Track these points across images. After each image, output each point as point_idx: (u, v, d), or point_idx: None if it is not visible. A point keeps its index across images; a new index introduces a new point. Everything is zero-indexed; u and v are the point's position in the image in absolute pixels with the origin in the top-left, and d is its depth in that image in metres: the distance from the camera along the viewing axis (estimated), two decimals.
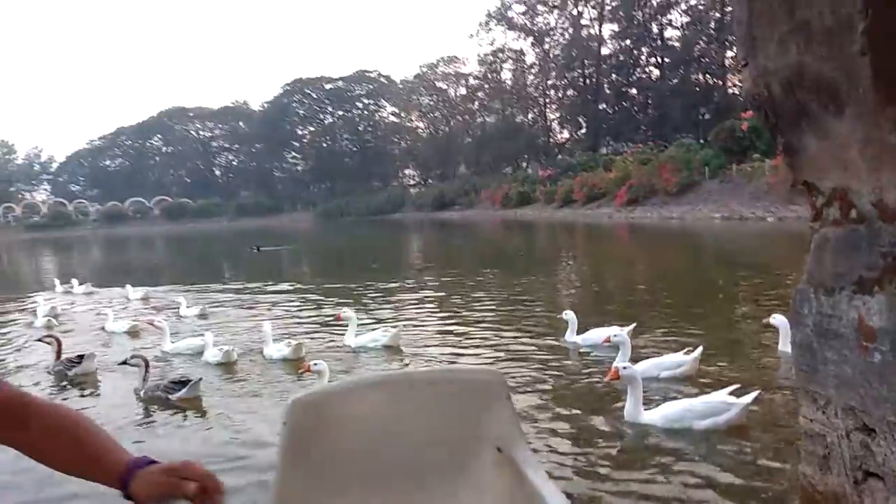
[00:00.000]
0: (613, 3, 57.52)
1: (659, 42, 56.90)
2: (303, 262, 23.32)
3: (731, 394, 4.24)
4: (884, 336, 2.32)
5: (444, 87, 76.47)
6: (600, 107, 59.43)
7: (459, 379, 2.16)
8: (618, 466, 3.81)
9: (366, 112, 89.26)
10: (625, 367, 4.48)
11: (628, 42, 57.83)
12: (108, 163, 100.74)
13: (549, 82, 65.17)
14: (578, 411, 4.76)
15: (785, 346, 5.91)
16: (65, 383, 6.50)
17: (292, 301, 11.60)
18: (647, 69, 59.09)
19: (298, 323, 9.31)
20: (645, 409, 4.35)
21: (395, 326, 7.56)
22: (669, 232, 24.67)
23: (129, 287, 13.17)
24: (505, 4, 62.56)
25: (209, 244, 38.51)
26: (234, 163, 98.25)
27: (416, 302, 10.73)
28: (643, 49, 57.95)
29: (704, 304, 9.33)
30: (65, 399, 5.87)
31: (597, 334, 6.52)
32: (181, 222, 79.74)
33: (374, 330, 7.61)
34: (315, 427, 1.97)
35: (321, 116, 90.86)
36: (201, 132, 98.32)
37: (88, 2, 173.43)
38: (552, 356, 6.46)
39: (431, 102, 77.88)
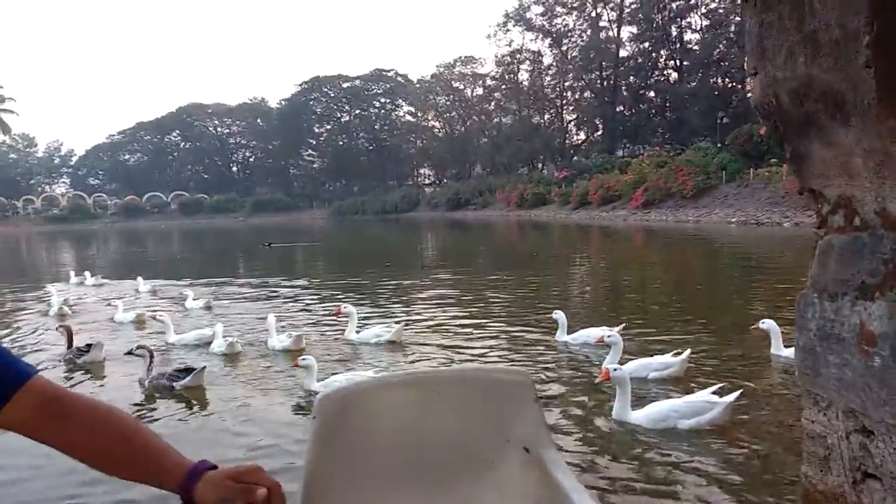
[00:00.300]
0: (633, 6, 57.32)
1: (678, 45, 56.59)
2: (316, 258, 23.54)
3: (715, 393, 4.31)
4: (884, 341, 2.38)
5: (461, 87, 76.54)
6: (617, 109, 59.23)
7: (488, 378, 2.17)
8: (604, 464, 3.88)
9: (382, 111, 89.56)
10: (615, 369, 4.58)
11: (647, 45, 57.56)
12: (127, 157, 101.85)
13: (567, 84, 65.05)
14: (565, 409, 4.85)
15: (777, 349, 6.00)
16: (74, 371, 6.69)
17: (301, 296, 11.83)
18: (665, 72, 58.80)
19: (306, 317, 9.51)
20: (633, 409, 4.44)
21: (397, 323, 7.71)
22: (684, 235, 24.58)
23: (139, 279, 13.60)
24: (523, 5, 62.61)
25: (223, 240, 38.95)
26: (251, 159, 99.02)
27: (424, 300, 10.85)
28: (662, 52, 57.66)
29: (708, 306, 9.42)
30: (72, 386, 5.97)
31: (587, 334, 6.73)
32: (197, 217, 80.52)
33: (377, 326, 7.75)
34: (344, 422, 1.99)
35: (338, 115, 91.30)
36: (219, 128, 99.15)
37: None
38: (542, 355, 6.62)
39: (448, 102, 77.97)
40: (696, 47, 54.92)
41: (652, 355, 5.87)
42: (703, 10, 54.21)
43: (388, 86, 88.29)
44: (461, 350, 7.00)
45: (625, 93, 59.08)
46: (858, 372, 2.51)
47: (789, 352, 5.85)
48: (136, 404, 5.54)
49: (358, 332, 7.55)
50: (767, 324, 6.07)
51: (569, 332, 7.03)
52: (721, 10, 52.51)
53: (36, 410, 1.01)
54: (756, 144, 31.37)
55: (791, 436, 4.10)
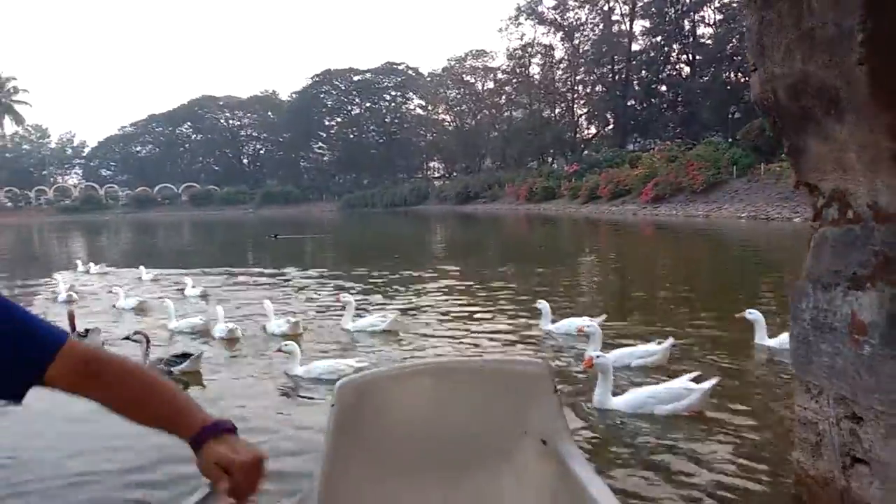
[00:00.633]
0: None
1: (691, 39, 56.13)
2: (322, 250, 23.72)
3: (693, 381, 4.41)
4: (874, 330, 2.46)
5: (472, 80, 76.29)
6: (628, 103, 58.82)
7: (506, 369, 2.16)
8: (583, 450, 3.97)
9: (393, 104, 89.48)
10: (598, 356, 4.69)
11: (659, 39, 57.10)
12: (138, 149, 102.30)
13: (578, 77, 64.65)
14: None
15: (761, 339, 6.11)
16: None
17: (303, 285, 12.15)
18: (677, 66, 58.32)
19: (306, 305, 9.78)
20: (614, 396, 4.55)
21: (393, 312, 7.88)
22: (693, 230, 24.54)
23: (142, 268, 14.08)
24: None
25: (232, 231, 39.26)
26: (262, 152, 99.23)
27: (427, 291, 10.99)
28: (674, 46, 57.16)
29: (706, 299, 9.57)
30: None
31: (568, 323, 6.91)
32: (207, 209, 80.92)
33: (374, 315, 7.93)
34: (362, 410, 2.00)
35: (349, 107, 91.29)
36: (230, 121, 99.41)
37: None
38: (528, 343, 6.80)
39: (458, 96, 77.77)
40: (709, 41, 54.46)
41: (635, 344, 6.05)
42: (717, 4, 53.71)
43: (399, 79, 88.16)
44: (454, 340, 7.11)
45: (636, 87, 58.67)
46: (849, 360, 2.60)
47: (773, 341, 5.99)
48: None
49: (355, 320, 7.72)
50: (753, 314, 6.20)
51: (554, 322, 7.21)
52: (735, 5, 51.94)
53: (74, 369, 1.11)
54: (767, 139, 31.11)
55: (769, 422, 4.20)
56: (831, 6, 2.48)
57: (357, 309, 8.40)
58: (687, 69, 57.12)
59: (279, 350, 5.88)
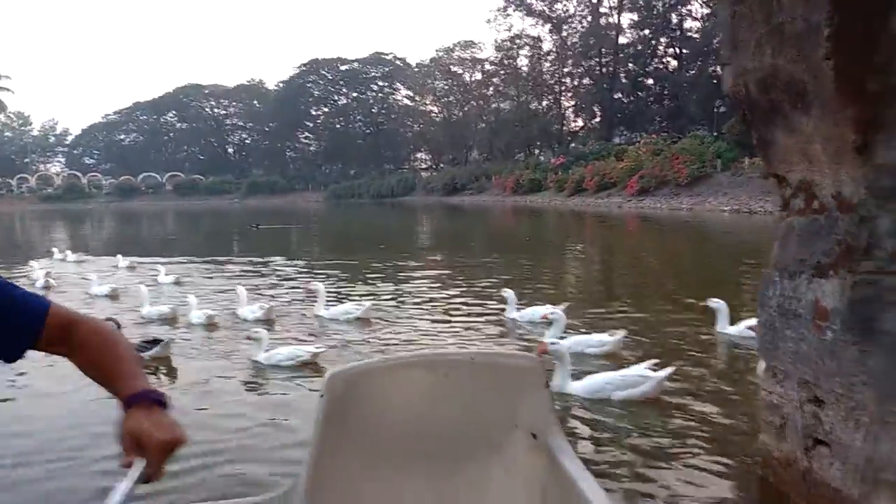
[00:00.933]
0: None
1: (678, 32, 56.37)
2: (304, 240, 23.73)
3: (651, 368, 4.54)
4: (835, 316, 2.55)
5: (460, 71, 76.12)
6: (615, 96, 59.02)
7: (497, 363, 2.16)
8: None
9: (380, 94, 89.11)
10: (552, 343, 4.83)
11: (647, 32, 57.28)
12: (122, 137, 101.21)
13: (566, 70, 64.70)
14: None
15: (722, 327, 6.25)
16: None
17: (278, 274, 12.33)
18: (664, 60, 58.57)
19: (281, 292, 9.95)
20: (574, 381, 4.67)
21: (367, 300, 7.99)
22: (676, 222, 24.77)
23: (119, 256, 14.23)
24: None
25: (216, 221, 39.07)
26: (248, 141, 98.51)
27: (410, 280, 11.07)
28: (661, 39, 57.40)
29: (677, 288, 9.76)
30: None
31: (532, 311, 7.08)
32: (192, 199, 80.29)
33: (347, 303, 8.04)
34: (352, 401, 1.99)
35: (335, 97, 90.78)
36: (216, 109, 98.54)
37: None
38: (493, 331, 6.93)
39: (446, 87, 77.57)
40: (696, 35, 54.71)
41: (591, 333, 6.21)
42: None
43: (387, 69, 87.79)
44: (426, 328, 7.18)
45: (623, 80, 58.84)
46: (812, 345, 2.69)
47: (732, 329, 6.14)
48: None
49: (328, 307, 7.82)
50: (716, 303, 6.35)
51: (520, 310, 7.35)
52: None
53: (58, 332, 1.18)
54: (751, 134, 31.45)
55: (727, 408, 4.33)
56: (800, 2, 2.55)
57: (340, 298, 8.44)
58: (674, 63, 57.39)
59: (248, 337, 5.96)
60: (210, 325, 7.38)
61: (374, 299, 8.50)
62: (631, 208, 33.31)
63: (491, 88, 71.37)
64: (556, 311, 6.20)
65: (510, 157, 62.59)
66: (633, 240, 20.48)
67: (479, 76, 73.47)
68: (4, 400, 5.04)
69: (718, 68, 54.08)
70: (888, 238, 2.29)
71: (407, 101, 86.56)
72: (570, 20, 62.66)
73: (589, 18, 60.91)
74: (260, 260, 14.70)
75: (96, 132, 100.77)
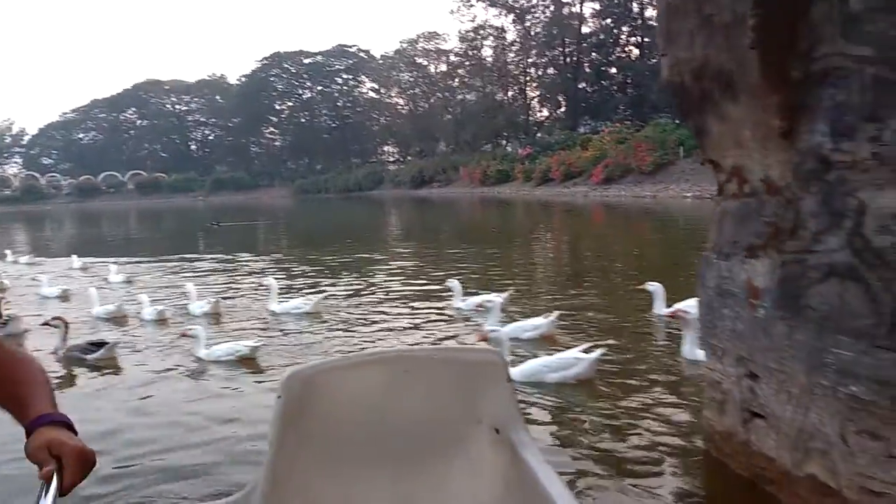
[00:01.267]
0: None
1: (639, 21, 56.98)
2: (266, 237, 23.65)
3: (585, 351, 4.71)
4: (766, 295, 2.68)
5: (425, 63, 75.90)
6: (580, 86, 59.46)
7: (459, 359, 2.14)
8: None
9: (345, 87, 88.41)
10: (492, 331, 5.00)
11: (609, 21, 57.78)
12: (81, 136, 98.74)
13: (530, 60, 64.97)
14: None
15: (658, 309, 6.47)
16: None
17: (232, 270, 12.47)
18: (626, 49, 59.17)
19: (234, 288, 10.05)
20: (512, 366, 4.79)
21: (317, 295, 8.12)
22: (640, 210, 25.17)
23: (73, 257, 14.22)
24: None
25: (178, 220, 38.53)
26: (211, 137, 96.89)
27: (371, 274, 11.09)
28: (623, 28, 58.01)
29: (627, 272, 9.96)
30: None
31: (475, 300, 7.23)
32: (155, 197, 78.80)
33: (298, 298, 8.17)
34: (310, 401, 1.96)
35: (299, 91, 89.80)
36: (177, 105, 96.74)
37: None
38: (440, 321, 7.06)
39: (411, 79, 77.28)
40: (656, 24, 55.31)
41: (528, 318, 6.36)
42: None
43: (351, 62, 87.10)
44: (376, 321, 7.24)
45: (587, 69, 59.32)
46: (747, 323, 2.83)
47: (668, 311, 6.23)
48: (50, 374, 5.62)
49: (280, 302, 7.93)
50: (653, 286, 6.58)
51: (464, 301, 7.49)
52: None
53: None
54: None
55: (658, 385, 4.51)
56: None
57: (303, 293, 8.56)
58: (636, 51, 58.02)
59: (183, 334, 6.01)
60: (161, 322, 7.49)
61: (330, 294, 8.64)
62: (596, 197, 33.70)
63: (456, 80, 71.30)
64: (491, 299, 6.34)
65: (477, 148, 62.72)
66: (596, 228, 20.80)
67: (444, 67, 73.38)
68: None
69: None
70: (812, 219, 2.41)
71: (372, 94, 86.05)
72: (532, 10, 62.89)
73: (552, 8, 61.18)
74: (224, 258, 14.69)
75: (54, 131, 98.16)
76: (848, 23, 2.13)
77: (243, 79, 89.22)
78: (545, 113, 66.70)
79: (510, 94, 67.46)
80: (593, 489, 3.08)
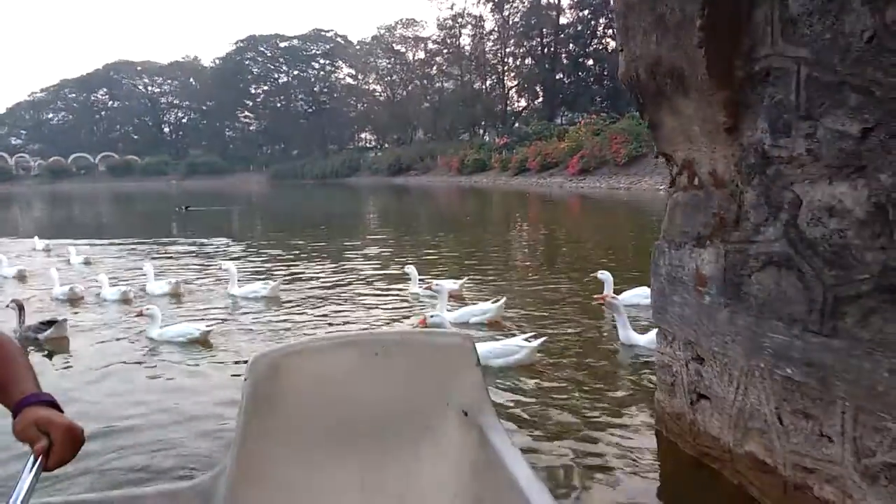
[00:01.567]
0: None
1: None
2: (247, 222, 23.51)
3: (528, 339, 4.92)
4: (712, 282, 2.82)
5: (403, 50, 75.58)
6: (557, 76, 59.76)
7: (428, 342, 2.14)
8: None
9: (322, 72, 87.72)
10: (432, 316, 5.21)
11: (586, 12, 58.05)
12: (50, 116, 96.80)
13: (508, 50, 65.08)
14: None
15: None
16: None
17: (196, 253, 12.53)
18: (603, 40, 59.52)
19: (195, 272, 10.08)
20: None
21: (276, 279, 8.23)
22: (613, 201, 25.49)
23: (35, 238, 14.19)
24: None
25: (148, 204, 38.03)
26: (184, 120, 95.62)
27: (340, 260, 11.11)
28: (601, 20, 58.31)
29: (588, 262, 10.06)
30: None
31: (430, 286, 7.41)
32: (127, 180, 77.49)
33: (256, 282, 8.25)
34: (277, 385, 1.95)
35: (275, 75, 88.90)
36: (149, 87, 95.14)
37: None
38: (398, 307, 7.18)
39: (389, 65, 76.91)
40: (615, 20, 55.58)
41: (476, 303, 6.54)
42: None
43: (328, 46, 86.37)
44: (335, 307, 7.29)
45: (564, 60, 59.61)
46: (694, 309, 2.97)
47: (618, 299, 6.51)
48: None
49: (240, 286, 8.04)
50: (604, 274, 6.81)
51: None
52: None
53: None
54: None
55: (594, 370, 4.70)
56: None
57: (265, 277, 8.77)
58: (613, 43, 58.37)
59: (140, 314, 6.05)
60: (125, 302, 7.56)
61: (294, 278, 8.80)
62: (572, 188, 34.01)
63: (434, 67, 71.12)
64: (439, 284, 6.53)
65: (455, 136, 62.77)
66: (569, 218, 21.02)
67: (422, 55, 73.16)
68: None
69: None
70: (753, 211, 2.54)
71: (350, 80, 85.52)
72: None
73: None
74: (194, 241, 14.72)
75: (22, 111, 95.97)
76: (787, 25, 2.25)
77: (218, 61, 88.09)
78: (523, 103, 66.94)
79: (488, 83, 67.50)
80: (550, 469, 3.20)
